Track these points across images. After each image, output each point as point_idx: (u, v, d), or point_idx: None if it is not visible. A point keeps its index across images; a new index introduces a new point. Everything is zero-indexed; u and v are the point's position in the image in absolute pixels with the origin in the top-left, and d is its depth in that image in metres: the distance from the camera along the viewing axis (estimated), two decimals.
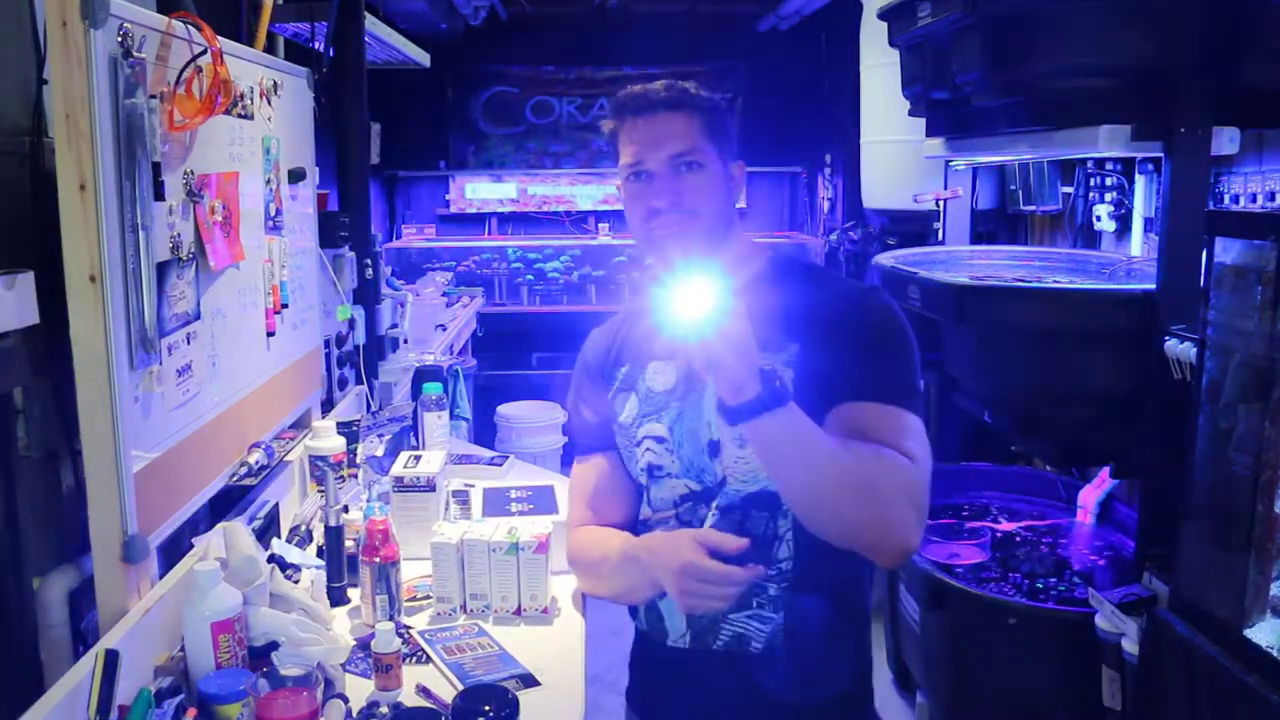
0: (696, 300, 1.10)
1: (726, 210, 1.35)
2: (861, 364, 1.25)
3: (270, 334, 2.02)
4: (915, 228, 4.06)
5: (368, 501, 1.85)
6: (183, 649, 1.36)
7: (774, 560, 1.30)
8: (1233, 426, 1.83)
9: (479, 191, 6.10)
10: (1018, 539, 2.90)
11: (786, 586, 1.30)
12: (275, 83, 2.08)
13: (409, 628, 1.61)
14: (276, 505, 1.91)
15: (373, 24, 3.13)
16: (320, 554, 1.76)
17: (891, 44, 2.91)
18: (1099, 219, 3.05)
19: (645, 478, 1.39)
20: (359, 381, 2.78)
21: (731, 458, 1.30)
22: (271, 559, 1.55)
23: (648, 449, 1.37)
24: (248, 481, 1.77)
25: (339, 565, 1.72)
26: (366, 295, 2.90)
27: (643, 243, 1.36)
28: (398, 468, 1.92)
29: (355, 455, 2.13)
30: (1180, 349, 2.00)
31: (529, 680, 1.42)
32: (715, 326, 1.09)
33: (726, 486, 1.31)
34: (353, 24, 2.77)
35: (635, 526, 1.42)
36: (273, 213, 2.05)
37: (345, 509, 1.76)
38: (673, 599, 1.26)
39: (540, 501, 2.04)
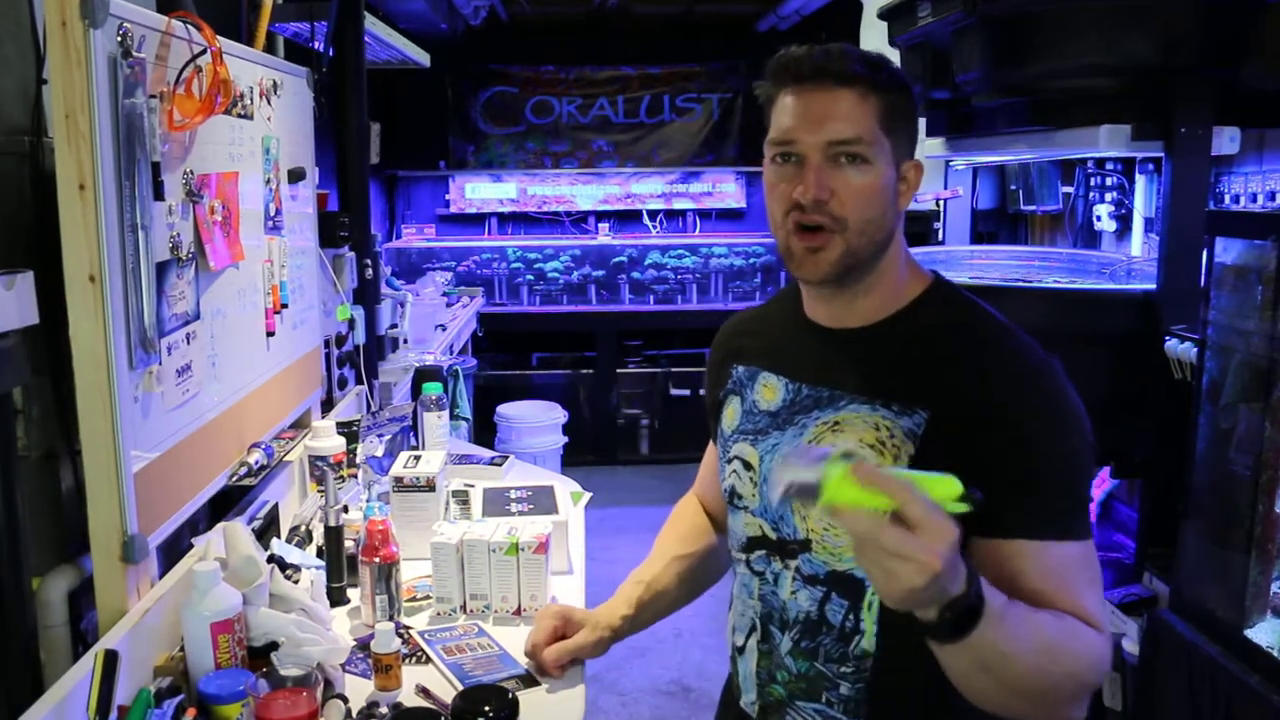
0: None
1: (885, 221, 1.07)
2: (1025, 479, 0.99)
3: (270, 334, 2.02)
4: (916, 228, 4.06)
5: (367, 502, 1.85)
6: (182, 649, 1.35)
7: (849, 656, 1.09)
8: (1233, 426, 1.83)
9: (479, 191, 6.10)
10: None
11: (862, 688, 1.08)
12: (275, 82, 2.08)
13: (409, 628, 1.61)
14: (276, 505, 1.91)
15: (373, 24, 3.13)
16: (320, 554, 1.76)
17: (891, 44, 2.91)
18: (1099, 219, 3.05)
19: (726, 501, 1.23)
20: (359, 381, 2.78)
21: (822, 522, 1.08)
22: (271, 559, 1.55)
23: (734, 472, 1.20)
24: (247, 481, 1.77)
25: (339, 565, 1.72)
26: (366, 295, 2.90)
27: (779, 240, 1.10)
28: (398, 468, 1.92)
29: (355, 455, 2.13)
30: (1181, 349, 2.00)
31: (529, 680, 1.42)
32: (910, 578, 0.84)
33: (810, 552, 1.10)
34: (352, 24, 2.77)
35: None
36: (272, 212, 2.05)
37: (345, 509, 1.76)
38: None
39: (540, 502, 2.04)
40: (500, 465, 2.35)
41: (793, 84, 1.07)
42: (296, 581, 1.55)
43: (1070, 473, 1.02)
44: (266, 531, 1.81)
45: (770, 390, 1.17)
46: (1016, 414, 1.01)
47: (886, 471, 0.87)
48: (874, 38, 3.77)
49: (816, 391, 1.11)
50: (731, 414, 1.22)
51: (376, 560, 1.58)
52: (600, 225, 6.07)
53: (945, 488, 0.87)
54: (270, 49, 2.49)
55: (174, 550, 1.63)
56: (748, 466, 1.17)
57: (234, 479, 1.76)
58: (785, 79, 1.07)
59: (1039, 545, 0.99)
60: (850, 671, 1.08)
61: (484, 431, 4.98)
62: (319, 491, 1.97)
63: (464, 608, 1.67)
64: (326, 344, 2.55)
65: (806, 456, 0.87)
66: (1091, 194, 3.11)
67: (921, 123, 2.91)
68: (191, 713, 1.24)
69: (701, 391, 1.37)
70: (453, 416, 3.29)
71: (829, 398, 1.10)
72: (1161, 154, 2.18)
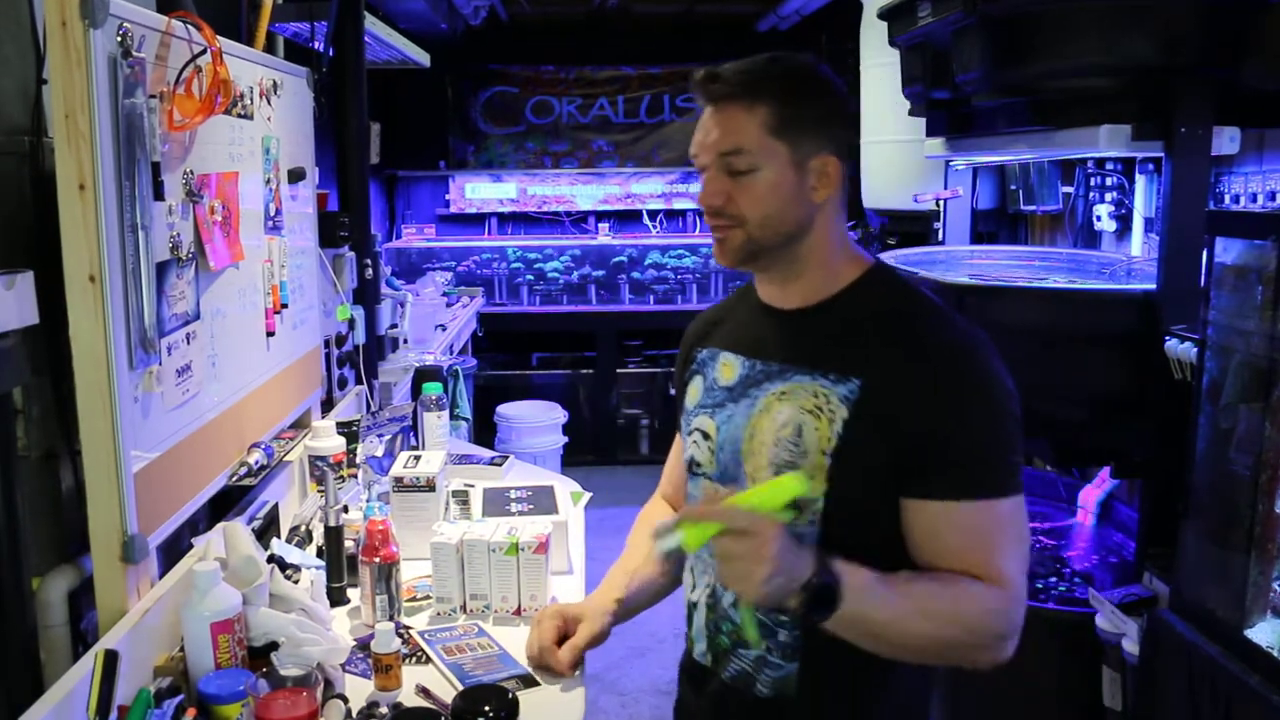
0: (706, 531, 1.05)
1: (787, 214, 1.17)
2: (943, 445, 1.10)
3: (270, 334, 2.02)
4: (915, 227, 4.06)
5: (367, 502, 1.85)
6: (182, 649, 1.35)
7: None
8: (1233, 426, 1.83)
9: (479, 191, 6.11)
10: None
11: (799, 635, 1.18)
12: (275, 82, 2.08)
13: (408, 628, 1.61)
14: (276, 505, 1.91)
15: (373, 24, 3.13)
16: (320, 554, 1.76)
17: (891, 44, 2.91)
18: (1099, 219, 3.05)
19: (686, 470, 1.34)
20: (359, 381, 2.78)
21: (764, 478, 1.19)
22: (271, 559, 1.55)
23: (695, 442, 1.31)
24: (247, 481, 1.77)
25: (339, 565, 1.72)
26: (366, 295, 2.90)
27: None
28: (397, 468, 1.92)
29: (355, 455, 2.13)
30: (1181, 349, 2.00)
31: (529, 680, 1.42)
32: (747, 577, 1.03)
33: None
34: (352, 24, 2.77)
35: None
36: (272, 212, 2.05)
37: (345, 509, 1.76)
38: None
39: (540, 501, 2.04)
40: (500, 465, 2.35)
41: (702, 98, 1.20)
42: (296, 581, 1.55)
43: (988, 440, 1.12)
44: (266, 531, 1.81)
45: (729, 368, 1.29)
46: (938, 385, 1.11)
47: (713, 506, 1.09)
48: (874, 38, 3.77)
49: (768, 366, 1.23)
50: (694, 392, 1.34)
51: (376, 560, 1.58)
52: (600, 225, 6.08)
53: (781, 493, 1.06)
54: (270, 49, 2.49)
55: (174, 550, 1.63)
56: (706, 436, 1.28)
57: (234, 479, 1.76)
58: (698, 98, 1.21)
59: (955, 505, 1.10)
60: (786, 620, 1.18)
61: (484, 431, 4.98)
62: (319, 491, 1.97)
63: (464, 608, 1.67)
64: (326, 344, 2.56)
65: (663, 530, 1.07)
66: (1091, 194, 3.11)
67: (921, 123, 2.93)
68: (191, 713, 1.24)
69: None
70: (453, 416, 3.29)
71: (778, 371, 1.22)
72: (1161, 154, 2.18)
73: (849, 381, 1.14)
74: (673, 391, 1.50)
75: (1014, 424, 1.13)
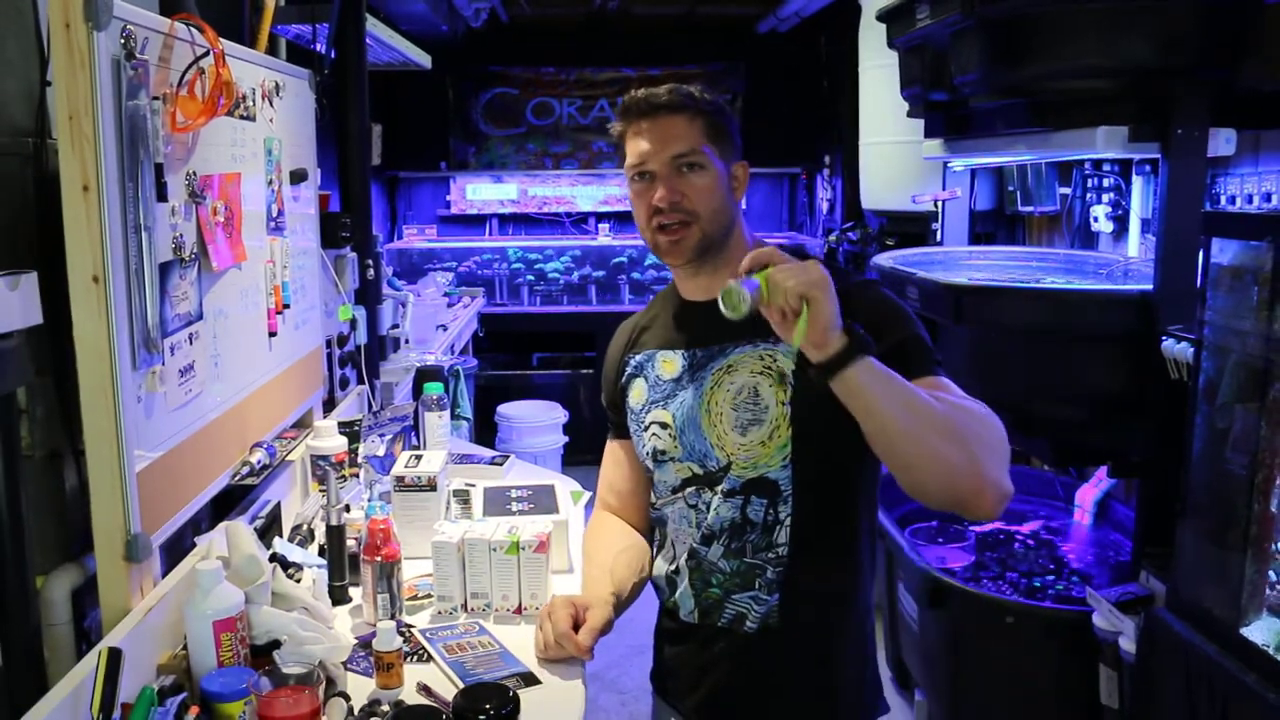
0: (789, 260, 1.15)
1: (726, 210, 1.39)
2: (895, 346, 1.27)
3: (272, 334, 2.03)
4: (914, 228, 4.07)
5: (369, 501, 1.86)
6: (185, 647, 1.36)
7: (773, 545, 1.37)
8: (1229, 426, 1.83)
9: (480, 192, 6.11)
10: (1016, 539, 2.91)
11: (783, 571, 1.36)
12: (277, 84, 2.09)
13: (410, 626, 1.61)
14: (278, 504, 1.92)
15: (374, 26, 3.14)
16: (322, 553, 1.77)
17: (890, 45, 2.92)
18: (1096, 220, 3.06)
19: (651, 462, 1.46)
20: (360, 381, 2.79)
21: (734, 444, 1.36)
22: (273, 558, 1.56)
23: (654, 434, 1.44)
24: (250, 481, 1.78)
25: (340, 564, 1.73)
26: (368, 295, 2.91)
27: (647, 241, 1.42)
28: (399, 467, 1.93)
29: (356, 455, 2.13)
30: (1177, 349, 2.01)
31: (529, 679, 1.43)
32: (809, 275, 1.13)
33: (730, 472, 1.37)
34: (354, 26, 2.78)
35: (648, 510, 1.54)
36: (275, 213, 2.06)
37: (347, 508, 1.77)
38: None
39: (541, 501, 2.05)
40: (501, 465, 2.36)
41: (637, 118, 1.38)
42: (298, 580, 1.56)
43: (919, 334, 1.32)
44: (269, 530, 1.82)
45: (669, 363, 1.45)
46: (863, 311, 1.23)
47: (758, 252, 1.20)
48: (873, 39, 3.78)
49: (706, 350, 1.41)
50: (638, 393, 1.48)
51: (378, 559, 1.59)
52: (600, 226, 6.08)
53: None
54: (272, 51, 2.50)
55: (177, 549, 1.64)
56: (664, 426, 1.43)
57: (236, 478, 1.77)
58: (631, 116, 1.38)
59: (924, 379, 1.25)
60: (773, 557, 1.36)
61: (485, 431, 4.99)
62: (321, 491, 1.98)
63: (465, 606, 1.68)
64: (328, 344, 2.56)
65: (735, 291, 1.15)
66: (1089, 195, 3.12)
67: (920, 124, 2.93)
68: (194, 711, 1.25)
69: None
70: (453, 416, 3.30)
71: (719, 350, 1.40)
72: (1158, 155, 2.19)
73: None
74: (602, 400, 1.60)
75: (921, 325, 1.33)
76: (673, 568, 1.46)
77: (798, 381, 1.32)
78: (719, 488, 1.38)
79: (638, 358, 1.50)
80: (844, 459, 1.35)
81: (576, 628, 1.42)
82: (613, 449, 1.59)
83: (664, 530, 1.49)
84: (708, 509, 1.39)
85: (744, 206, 1.43)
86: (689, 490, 1.42)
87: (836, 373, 1.15)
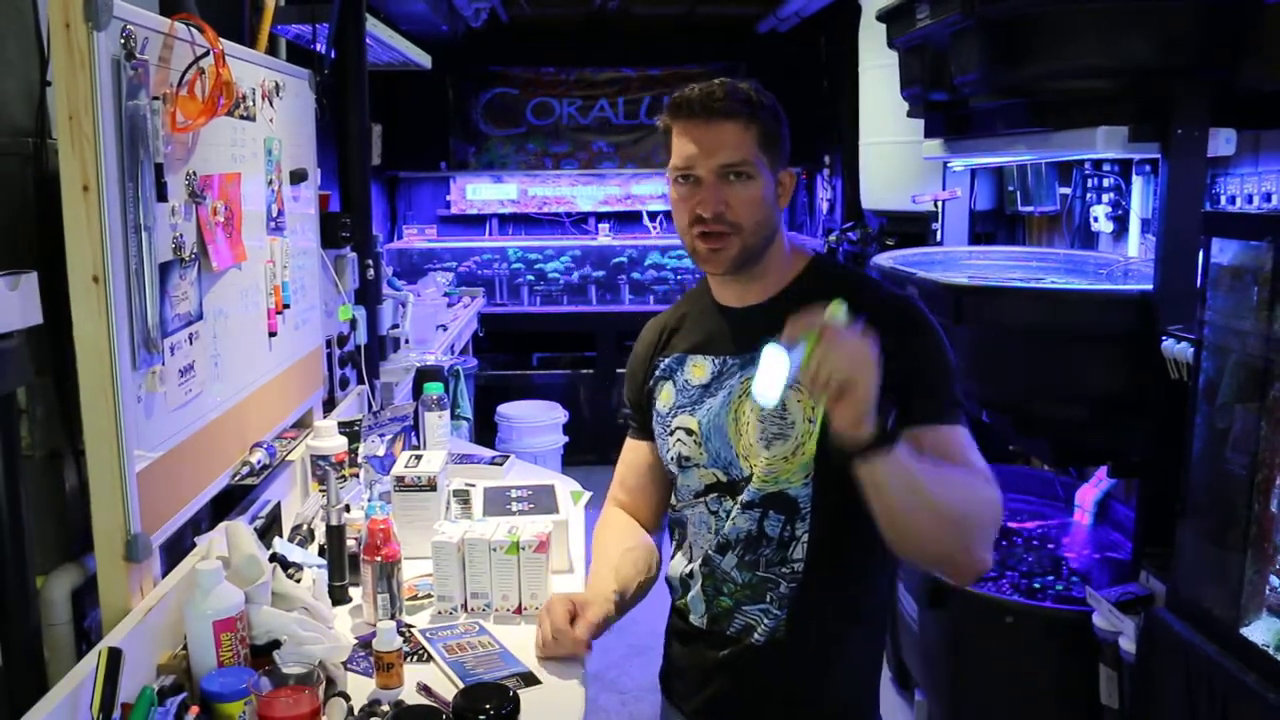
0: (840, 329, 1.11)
1: (770, 220, 1.34)
2: (913, 383, 1.24)
3: (272, 334, 2.03)
4: (914, 228, 4.07)
5: (369, 501, 1.86)
6: (185, 647, 1.36)
7: (787, 560, 1.34)
8: (1229, 426, 1.83)
9: (480, 192, 6.11)
10: (1016, 539, 2.91)
11: (795, 588, 1.34)
12: (277, 84, 2.09)
13: (410, 626, 1.61)
14: (278, 504, 1.92)
15: (374, 26, 3.14)
16: (322, 553, 1.77)
17: (890, 45, 2.92)
18: (1096, 220, 3.06)
19: (675, 467, 1.43)
20: (360, 381, 2.79)
21: (759, 457, 1.33)
22: (273, 558, 1.56)
23: (679, 440, 1.41)
24: (250, 481, 1.78)
25: (340, 564, 1.73)
26: (368, 295, 2.91)
27: (686, 245, 1.38)
28: (399, 467, 1.93)
29: (356, 455, 2.13)
30: (1177, 349, 2.01)
31: (529, 679, 1.43)
32: (857, 358, 1.10)
33: (751, 484, 1.34)
34: (354, 26, 2.78)
35: (665, 512, 1.53)
36: (275, 213, 2.06)
37: (347, 508, 1.77)
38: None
39: (541, 501, 2.05)
40: (501, 465, 2.36)
41: (687, 119, 1.32)
42: (298, 580, 1.56)
43: (946, 375, 1.30)
44: (269, 530, 1.82)
45: (699, 368, 1.42)
46: (896, 340, 1.19)
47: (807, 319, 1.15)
48: (873, 39, 3.78)
49: (737, 359, 1.38)
50: (666, 396, 1.45)
51: (378, 559, 1.59)
52: (600, 226, 6.08)
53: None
54: (272, 51, 2.50)
55: (177, 549, 1.64)
56: (690, 433, 1.40)
57: (236, 478, 1.77)
58: (681, 115, 1.33)
59: (935, 429, 1.25)
60: (787, 573, 1.34)
61: (484, 431, 4.99)
62: (321, 491, 1.98)
63: (465, 606, 1.68)
64: (328, 344, 2.56)
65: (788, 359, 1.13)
66: (1089, 195, 3.12)
67: (920, 124, 2.93)
68: (194, 711, 1.25)
69: None
70: (454, 416, 3.30)
71: (750, 359, 1.33)
72: (1158, 155, 2.19)
73: None
74: (624, 397, 1.59)
75: (954, 363, 1.31)
76: (688, 570, 1.44)
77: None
78: (740, 497, 1.36)
79: (667, 361, 1.46)
80: None
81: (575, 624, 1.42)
82: (631, 446, 1.57)
83: (684, 531, 1.47)
84: (727, 517, 1.37)
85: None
86: (711, 496, 1.39)
87: (856, 458, 1.14)
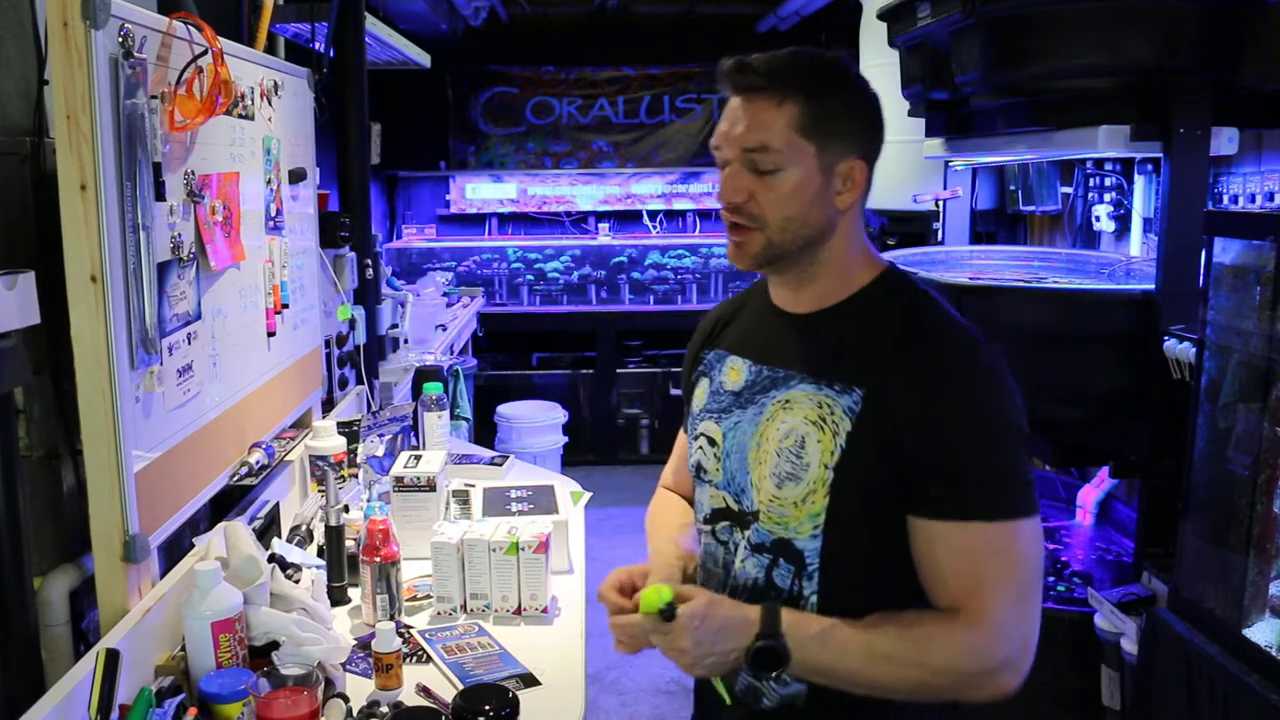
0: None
1: (809, 220, 1.12)
2: (940, 464, 1.05)
3: (271, 334, 2.02)
4: (915, 228, 4.07)
5: (368, 501, 1.86)
6: (183, 648, 1.36)
7: None
8: (1231, 426, 1.83)
9: (479, 192, 6.11)
10: None
11: None
12: (276, 83, 2.09)
13: (409, 627, 1.61)
14: (277, 505, 1.92)
15: (373, 24, 3.13)
16: (321, 554, 1.77)
17: (891, 44, 2.91)
18: (1098, 219, 3.05)
19: (693, 476, 1.29)
20: (359, 381, 2.78)
21: (766, 494, 1.15)
22: (272, 559, 1.56)
23: (700, 448, 1.26)
24: (248, 481, 1.78)
25: (339, 565, 1.73)
26: (367, 295, 2.90)
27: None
28: (398, 468, 1.93)
29: (355, 455, 2.13)
30: (1179, 349, 2.01)
31: (529, 680, 1.43)
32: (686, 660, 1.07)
33: (759, 522, 1.17)
34: (353, 24, 2.77)
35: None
36: (273, 213, 2.06)
37: (346, 509, 1.76)
38: None
39: (540, 501, 2.04)
40: (500, 465, 2.35)
41: (728, 92, 1.14)
42: (297, 581, 1.55)
43: (988, 460, 1.06)
44: (267, 531, 1.81)
45: (735, 372, 1.24)
46: (937, 402, 1.05)
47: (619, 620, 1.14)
48: (873, 38, 3.77)
49: (774, 372, 1.19)
50: (700, 394, 1.29)
51: (377, 560, 1.59)
52: (600, 225, 6.08)
53: (649, 601, 1.08)
54: (271, 50, 2.50)
55: (175, 550, 1.64)
56: (712, 443, 1.23)
57: (235, 479, 1.76)
58: (723, 87, 1.14)
59: (950, 526, 1.05)
60: None
61: (484, 431, 4.98)
62: (320, 491, 1.97)
63: (464, 607, 1.67)
64: (327, 344, 2.56)
65: None
66: (1090, 194, 3.11)
67: (921, 123, 2.93)
68: (193, 712, 1.24)
69: None
70: (453, 416, 3.30)
71: (783, 378, 1.17)
72: (1160, 154, 2.19)
73: (852, 392, 1.10)
74: (676, 391, 1.49)
75: (1017, 444, 1.07)
76: None
77: (849, 446, 1.09)
78: (748, 534, 1.18)
79: (710, 355, 1.29)
80: (886, 542, 1.10)
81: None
82: (680, 436, 1.42)
83: (702, 555, 1.30)
84: (734, 553, 1.20)
85: (865, 206, 1.20)
86: (721, 525, 1.22)
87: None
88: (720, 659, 1.07)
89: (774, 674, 1.06)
